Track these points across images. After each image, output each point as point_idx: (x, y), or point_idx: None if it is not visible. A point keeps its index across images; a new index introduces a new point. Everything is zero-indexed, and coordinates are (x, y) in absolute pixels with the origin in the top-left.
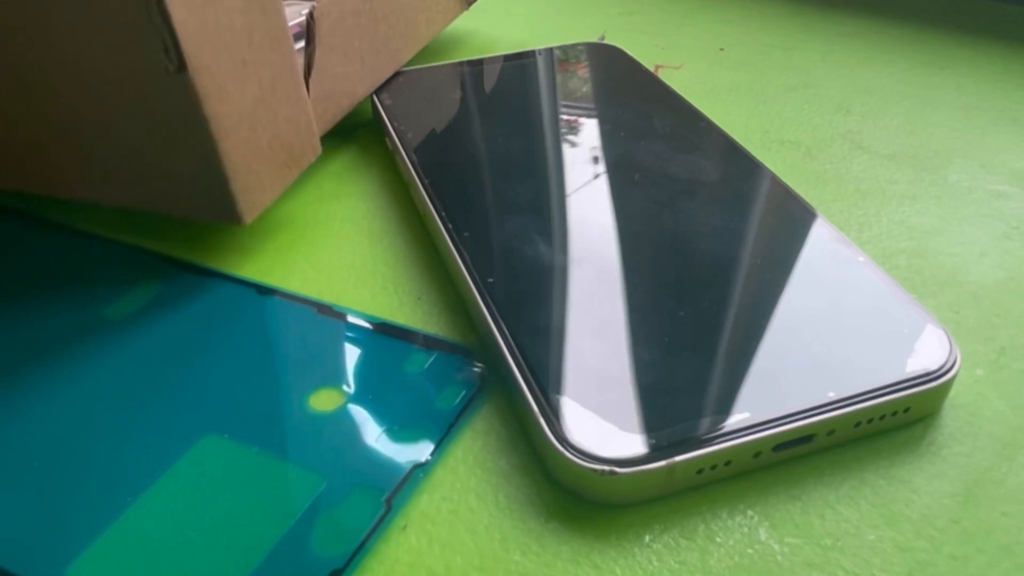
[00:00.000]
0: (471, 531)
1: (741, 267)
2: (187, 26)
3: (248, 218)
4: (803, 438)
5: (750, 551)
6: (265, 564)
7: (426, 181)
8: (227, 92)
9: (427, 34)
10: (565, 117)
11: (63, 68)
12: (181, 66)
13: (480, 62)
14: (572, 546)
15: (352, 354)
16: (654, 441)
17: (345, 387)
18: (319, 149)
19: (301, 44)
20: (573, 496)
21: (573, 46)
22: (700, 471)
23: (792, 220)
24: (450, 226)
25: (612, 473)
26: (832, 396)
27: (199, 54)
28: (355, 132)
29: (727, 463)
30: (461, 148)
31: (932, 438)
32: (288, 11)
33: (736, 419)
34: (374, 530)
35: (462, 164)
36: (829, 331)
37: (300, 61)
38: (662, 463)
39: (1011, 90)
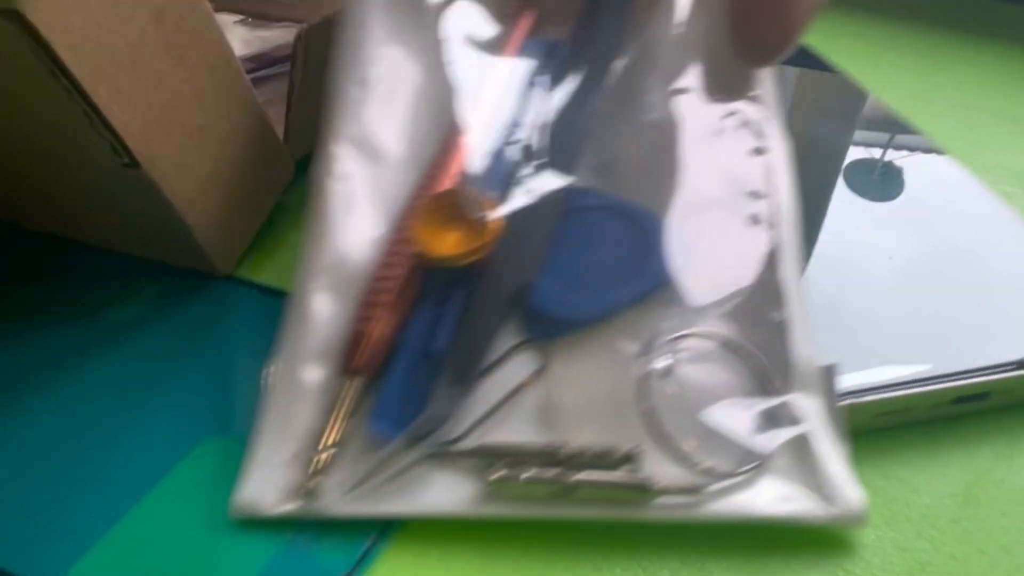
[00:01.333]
0: (471, 531)
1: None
2: (131, 127)
3: (226, 270)
4: (979, 395)
5: None
6: (267, 567)
7: None
8: (186, 165)
9: None
10: None
11: (53, 165)
12: (134, 162)
13: None
14: (572, 547)
15: None
16: (839, 382)
17: None
18: (292, 169)
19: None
20: None
21: None
22: (879, 415)
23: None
24: None
25: None
26: (1012, 357)
27: (148, 147)
28: None
29: (906, 410)
30: None
31: (932, 438)
32: (276, 33)
33: (918, 369)
34: (379, 537)
35: None
36: (1017, 295)
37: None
38: (843, 402)
39: (1011, 90)
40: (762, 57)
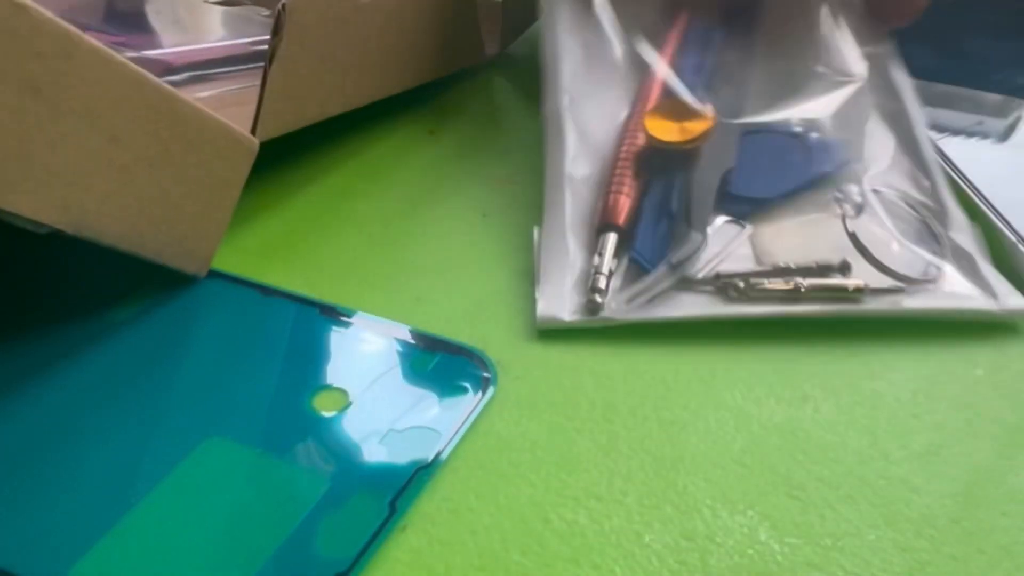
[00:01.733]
0: (471, 531)
1: None
2: (42, 205)
3: (203, 272)
4: None
5: (750, 551)
6: (269, 566)
7: None
8: (120, 208)
9: (431, 69)
10: None
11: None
12: (54, 231)
13: None
14: (572, 546)
15: (356, 355)
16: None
17: (349, 389)
18: (253, 152)
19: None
20: (572, 496)
21: None
22: None
23: None
24: None
25: None
26: None
27: (67, 214)
28: (357, 134)
29: None
30: None
31: (932, 437)
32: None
33: None
34: (378, 532)
35: None
36: None
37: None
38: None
39: None
40: (897, 20)
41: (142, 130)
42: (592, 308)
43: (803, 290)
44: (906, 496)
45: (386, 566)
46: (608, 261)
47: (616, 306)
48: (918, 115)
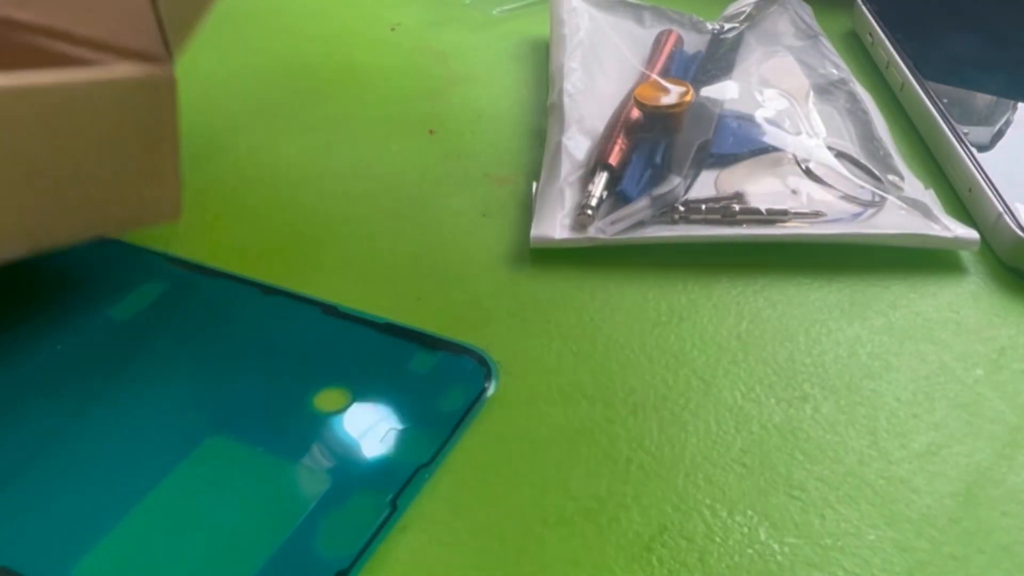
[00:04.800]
0: (471, 531)
1: None
2: None
3: (177, 215)
4: None
5: (750, 551)
6: (270, 564)
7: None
8: (65, 214)
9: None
10: None
11: None
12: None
13: None
14: (571, 546)
15: (357, 354)
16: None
17: (350, 387)
18: (171, 74)
19: None
20: (577, 495)
21: None
22: None
23: None
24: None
25: None
26: None
27: (17, 246)
28: (357, 134)
29: None
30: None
31: (932, 437)
32: None
33: None
34: (379, 531)
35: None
36: None
37: None
38: None
39: None
40: None
41: (51, 138)
42: (583, 222)
43: (737, 210)
44: (906, 496)
45: (386, 566)
46: (599, 190)
47: (603, 226)
48: (867, 96)
